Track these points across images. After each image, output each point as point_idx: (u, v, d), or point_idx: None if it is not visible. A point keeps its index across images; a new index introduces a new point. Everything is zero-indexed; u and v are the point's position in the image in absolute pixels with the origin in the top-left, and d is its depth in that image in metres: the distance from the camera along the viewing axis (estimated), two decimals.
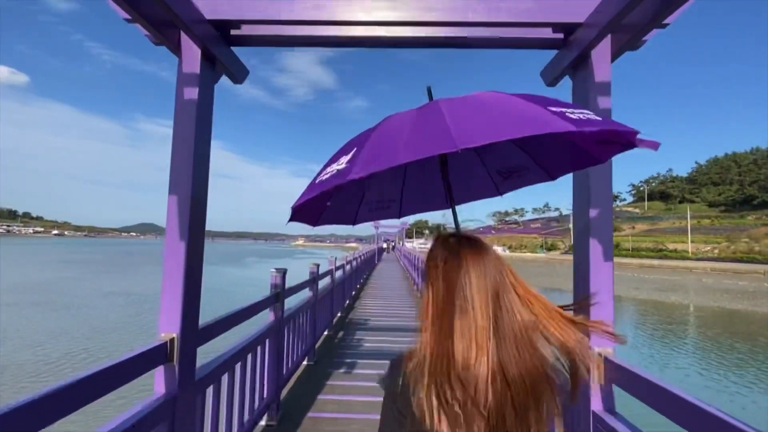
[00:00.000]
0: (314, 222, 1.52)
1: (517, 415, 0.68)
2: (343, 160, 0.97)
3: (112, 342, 10.14)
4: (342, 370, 4.60)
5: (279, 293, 3.39)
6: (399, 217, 1.84)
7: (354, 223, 1.79)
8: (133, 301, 16.86)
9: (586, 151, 1.36)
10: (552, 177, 1.55)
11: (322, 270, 5.57)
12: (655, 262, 59.46)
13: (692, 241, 64.93)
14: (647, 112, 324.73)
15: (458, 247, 0.82)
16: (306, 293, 4.82)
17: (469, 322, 0.73)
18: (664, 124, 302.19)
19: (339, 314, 7.80)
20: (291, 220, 1.30)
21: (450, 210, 1.31)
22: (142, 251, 75.43)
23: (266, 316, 3.30)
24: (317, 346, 5.39)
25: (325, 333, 6.24)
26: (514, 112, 0.90)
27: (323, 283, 5.80)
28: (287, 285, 3.68)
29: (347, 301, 9.09)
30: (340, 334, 6.48)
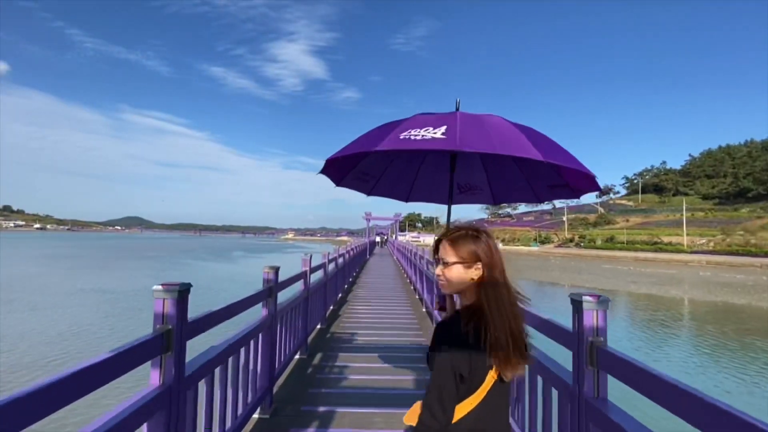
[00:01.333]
0: (338, 180, 2.00)
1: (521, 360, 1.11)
2: (375, 137, 1.45)
3: (73, 349, 9.46)
4: (334, 364, 4.68)
5: (272, 288, 3.45)
6: (407, 200, 2.34)
7: (369, 193, 2.26)
8: (106, 300, 16.13)
9: (535, 189, 2.09)
10: (495, 202, 2.29)
11: (314, 264, 5.66)
12: (650, 255, 60.20)
13: (687, 234, 65.86)
14: (639, 103, 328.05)
15: (488, 235, 1.20)
16: (298, 286, 4.90)
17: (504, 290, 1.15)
18: (657, 116, 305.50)
19: (332, 307, 7.94)
20: (321, 171, 1.85)
21: (434, 207, 2.19)
22: (124, 245, 74.20)
23: (259, 310, 3.34)
24: (310, 339, 5.47)
25: (318, 327, 6.35)
26: (509, 137, 1.36)
27: (315, 276, 5.87)
28: (279, 278, 3.75)
29: (339, 295, 9.13)
30: (333, 327, 6.58)
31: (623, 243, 71.05)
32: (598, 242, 76.04)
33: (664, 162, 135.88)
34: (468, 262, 1.14)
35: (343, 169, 2.08)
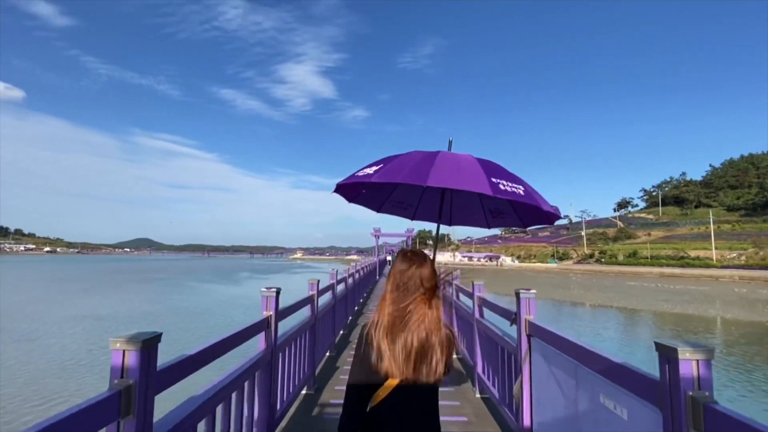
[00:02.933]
0: (350, 198, 2.52)
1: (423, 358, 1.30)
2: (374, 168, 1.90)
3: (48, 391, 8.58)
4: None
5: (271, 316, 3.04)
6: (413, 218, 2.81)
7: (379, 210, 2.76)
8: (98, 328, 15.46)
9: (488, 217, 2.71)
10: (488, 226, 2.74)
11: (322, 285, 5.21)
12: (677, 270, 57.66)
13: (716, 248, 63.05)
14: (655, 114, 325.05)
15: (411, 255, 1.46)
16: (304, 313, 4.51)
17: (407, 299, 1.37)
18: (673, 126, 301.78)
19: (342, 332, 7.51)
20: (334, 191, 2.28)
21: (452, 225, 2.77)
22: (130, 268, 73.93)
23: (256, 343, 2.98)
24: (318, 370, 5.07)
25: (327, 354, 5.95)
26: (466, 175, 1.81)
27: (323, 299, 5.46)
28: (282, 304, 3.32)
29: (349, 317, 8.66)
30: (344, 354, 6.13)
31: (647, 258, 68.44)
32: (620, 258, 73.43)
33: (684, 173, 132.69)
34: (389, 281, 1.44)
35: (353, 191, 2.49)
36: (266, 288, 3.07)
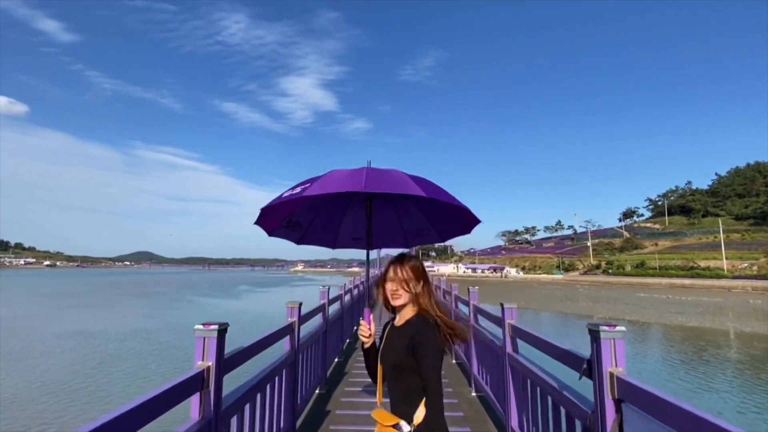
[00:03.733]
0: (269, 231, 2.52)
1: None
2: (299, 188, 1.97)
3: (24, 417, 7.95)
4: (353, 399, 4.70)
5: (295, 322, 3.55)
6: (370, 249, 2.44)
7: (334, 246, 2.91)
8: (87, 347, 14.87)
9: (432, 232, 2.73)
10: (442, 239, 2.78)
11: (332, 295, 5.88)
12: (687, 281, 56.78)
13: (726, 258, 62.00)
14: (658, 122, 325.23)
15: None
16: (316, 321, 4.99)
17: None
18: (677, 135, 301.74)
19: (348, 341, 7.98)
20: (256, 222, 2.33)
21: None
22: (129, 281, 73.24)
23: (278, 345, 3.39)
24: (328, 373, 5.53)
25: (336, 360, 6.44)
26: (401, 181, 1.94)
27: (332, 309, 5.99)
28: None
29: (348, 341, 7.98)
30: (350, 360, 6.63)
31: (655, 269, 67.41)
32: (628, 268, 72.52)
33: (690, 182, 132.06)
34: (417, 280, 1.67)
35: (275, 219, 2.46)
36: (291, 302, 3.64)
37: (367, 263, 2.52)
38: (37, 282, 67.60)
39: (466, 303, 5.30)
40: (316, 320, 4.92)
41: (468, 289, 5.14)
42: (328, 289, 5.62)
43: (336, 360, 6.42)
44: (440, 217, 2.58)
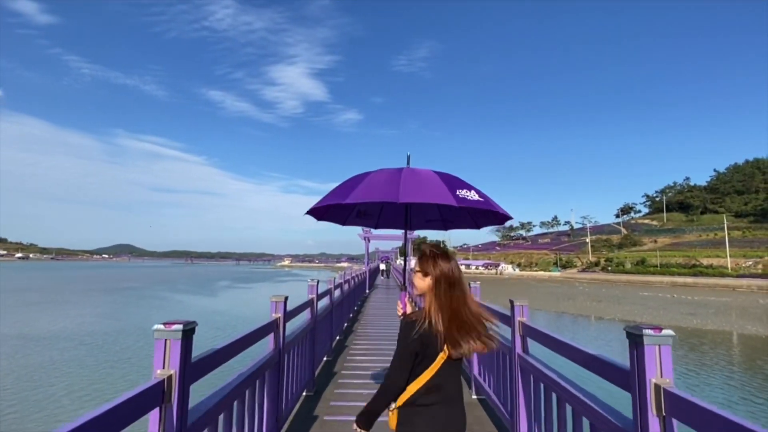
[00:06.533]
0: (319, 217, 2.87)
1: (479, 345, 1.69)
2: (345, 190, 2.19)
3: None
4: (343, 402, 4.39)
5: (279, 318, 3.31)
6: (376, 227, 3.14)
7: (344, 223, 3.09)
8: (18, 354, 13.23)
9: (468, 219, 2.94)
10: (445, 228, 3.14)
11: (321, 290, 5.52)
12: (689, 279, 56.28)
13: (729, 255, 61.45)
14: (655, 117, 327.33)
15: (450, 255, 1.80)
16: (303, 317, 4.67)
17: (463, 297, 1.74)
18: (675, 130, 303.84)
19: (338, 338, 7.74)
20: (307, 213, 2.71)
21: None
22: (104, 275, 70.78)
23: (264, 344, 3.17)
24: (316, 374, 5.26)
25: (325, 359, 6.15)
26: (433, 188, 2.08)
27: (321, 304, 5.67)
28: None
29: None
30: (339, 358, 6.34)
31: (656, 266, 66.72)
32: (628, 266, 71.96)
33: (688, 178, 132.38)
34: (424, 274, 1.76)
35: (320, 212, 2.80)
36: (276, 296, 3.36)
37: (405, 257, 3.77)
38: (3, 276, 64.67)
39: None
40: (303, 316, 4.66)
41: (468, 284, 3.97)
42: (317, 282, 5.30)
43: (325, 359, 6.19)
44: (475, 211, 2.76)
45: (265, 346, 3.20)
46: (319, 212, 2.77)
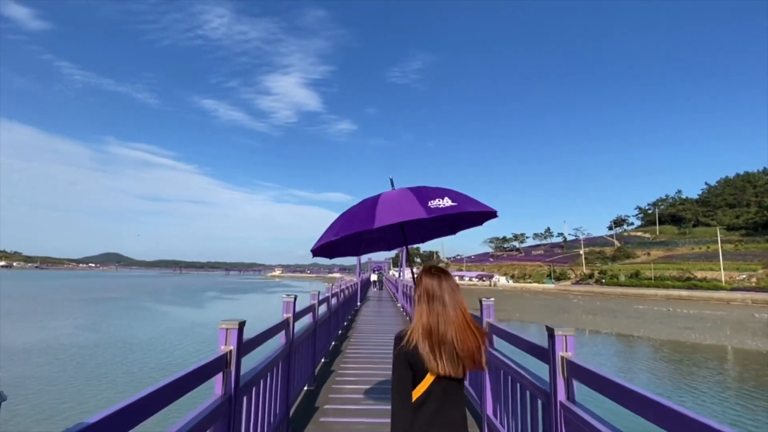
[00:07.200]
0: (331, 256, 3.03)
1: (468, 362, 1.67)
2: (333, 228, 2.43)
3: None
4: (340, 396, 5.02)
5: (290, 318, 3.92)
6: (390, 249, 3.33)
7: (358, 254, 3.31)
8: (1, 366, 12.81)
9: (445, 227, 3.15)
10: (453, 232, 3.22)
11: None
12: (684, 292, 56.37)
13: (723, 269, 61.64)
14: (646, 130, 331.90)
15: (437, 271, 1.81)
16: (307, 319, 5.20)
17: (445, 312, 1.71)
18: (665, 143, 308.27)
19: (333, 343, 8.24)
20: (314, 255, 2.90)
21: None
22: (88, 285, 68.95)
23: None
24: (316, 371, 5.80)
25: (323, 360, 6.68)
26: (404, 206, 2.19)
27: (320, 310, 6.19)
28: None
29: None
30: (336, 360, 6.91)
31: (650, 279, 66.74)
32: (622, 278, 71.88)
33: (680, 191, 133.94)
34: (416, 286, 1.83)
35: (326, 250, 2.95)
36: (287, 295, 3.85)
37: (405, 259, 3.60)
38: None
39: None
40: (306, 319, 5.11)
41: (480, 302, 3.96)
42: (318, 293, 5.76)
43: (323, 360, 6.75)
44: (450, 218, 2.94)
45: (278, 340, 3.75)
46: (325, 251, 2.91)
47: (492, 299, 3.39)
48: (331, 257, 3.03)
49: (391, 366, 1.72)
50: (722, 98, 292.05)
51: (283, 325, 3.89)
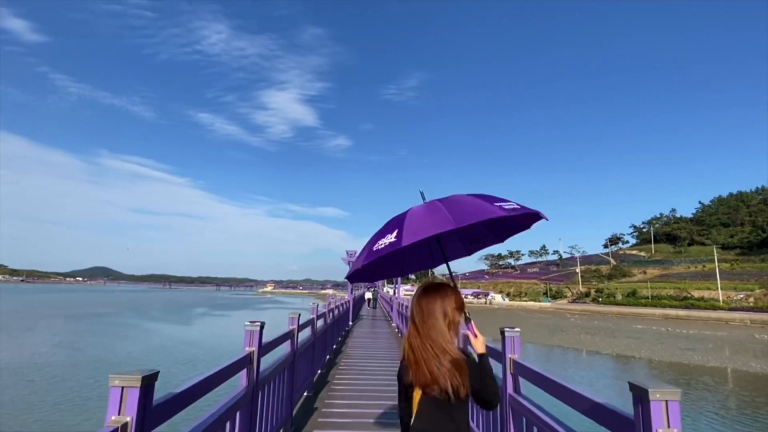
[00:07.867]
0: (371, 279, 2.81)
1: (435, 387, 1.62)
2: (389, 237, 2.00)
3: None
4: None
5: (253, 352, 3.06)
6: (433, 266, 3.02)
7: (402, 275, 3.04)
8: None
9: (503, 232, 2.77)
10: (501, 240, 2.81)
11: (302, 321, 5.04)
12: (681, 312, 56.04)
13: (720, 288, 61.46)
14: (640, 149, 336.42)
15: (420, 289, 1.91)
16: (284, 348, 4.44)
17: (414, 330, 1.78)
18: (660, 162, 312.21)
19: (320, 371, 7.32)
20: (351, 282, 3.00)
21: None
22: (73, 300, 67.52)
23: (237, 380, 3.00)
24: (295, 411, 4.90)
25: (305, 394, 5.84)
26: (431, 218, 1.99)
27: (303, 335, 5.37)
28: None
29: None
30: (322, 393, 5.95)
31: (647, 298, 66.37)
32: (619, 297, 71.45)
33: (674, 210, 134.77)
34: None
35: (363, 275, 2.59)
36: (251, 322, 3.12)
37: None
38: None
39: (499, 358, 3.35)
40: (282, 349, 4.39)
41: (502, 333, 3.29)
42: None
43: (305, 394, 5.86)
44: (494, 224, 2.73)
45: (238, 382, 3.06)
46: (363, 276, 2.80)
47: (518, 330, 2.95)
48: (372, 281, 3.02)
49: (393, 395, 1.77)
50: (715, 117, 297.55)
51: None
